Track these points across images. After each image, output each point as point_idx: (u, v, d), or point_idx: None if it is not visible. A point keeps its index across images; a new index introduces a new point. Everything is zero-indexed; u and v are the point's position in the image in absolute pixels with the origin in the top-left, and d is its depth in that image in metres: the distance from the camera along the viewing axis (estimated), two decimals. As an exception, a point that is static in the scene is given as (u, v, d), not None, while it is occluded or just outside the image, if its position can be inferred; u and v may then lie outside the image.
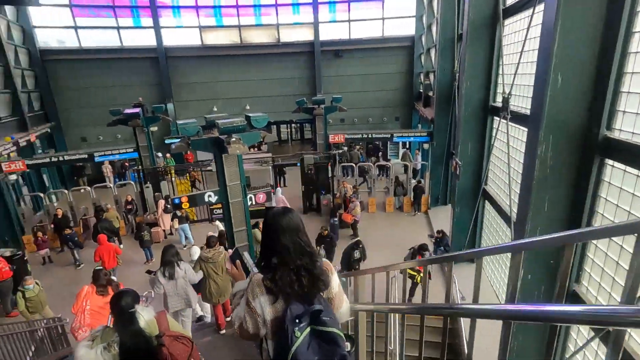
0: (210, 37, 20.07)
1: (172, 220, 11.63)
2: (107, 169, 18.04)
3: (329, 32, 20.33)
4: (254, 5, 19.86)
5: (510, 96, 6.30)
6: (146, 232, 10.48)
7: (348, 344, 1.53)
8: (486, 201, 8.75)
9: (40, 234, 10.95)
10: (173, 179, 13.47)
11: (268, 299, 1.57)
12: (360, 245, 8.73)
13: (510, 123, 6.45)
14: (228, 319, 5.80)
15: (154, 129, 18.36)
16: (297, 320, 1.45)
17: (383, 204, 14.33)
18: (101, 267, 5.98)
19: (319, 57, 20.38)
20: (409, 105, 21.03)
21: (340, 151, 17.39)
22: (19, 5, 14.34)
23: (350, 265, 8.42)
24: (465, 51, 8.16)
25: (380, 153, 19.88)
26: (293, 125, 26.50)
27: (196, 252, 7.45)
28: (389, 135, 13.71)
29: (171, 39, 19.41)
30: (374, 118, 21.63)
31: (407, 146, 19.49)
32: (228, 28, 20.15)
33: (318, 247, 9.25)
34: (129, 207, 12.48)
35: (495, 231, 8.25)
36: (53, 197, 13.79)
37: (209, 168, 13.26)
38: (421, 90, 18.55)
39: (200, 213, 13.81)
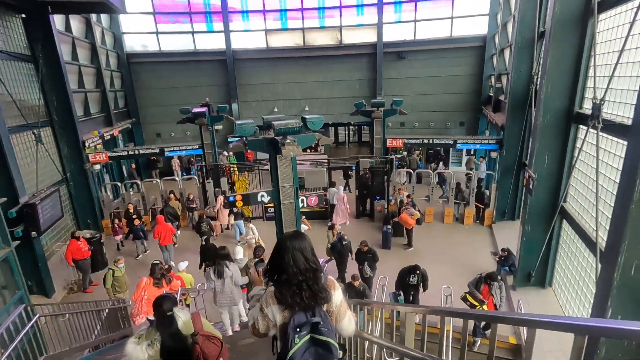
0: (274, 40, 20.68)
1: (229, 215, 12.10)
2: (176, 164, 19.46)
3: (393, 33, 19.75)
4: (319, 8, 20.02)
5: (603, 102, 5.41)
6: (205, 224, 11.02)
7: (340, 352, 1.79)
8: (564, 220, 7.72)
9: (117, 220, 12.12)
10: (231, 175, 14.03)
11: (279, 308, 1.85)
12: (418, 272, 7.75)
13: (601, 133, 5.56)
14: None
15: (218, 127, 19.51)
16: (297, 329, 1.71)
17: (441, 214, 13.50)
18: (157, 262, 6.68)
19: (380, 58, 19.91)
20: (476, 110, 19.63)
21: (399, 156, 16.79)
22: (107, 13, 16.01)
23: (405, 289, 7.79)
24: (548, 51, 7.25)
25: (441, 160, 18.76)
26: (351, 127, 26.28)
27: (239, 251, 7.63)
28: (452, 142, 12.84)
29: (239, 42, 20.36)
30: (436, 123, 20.58)
31: (472, 152, 18.18)
32: (292, 31, 20.58)
33: (361, 266, 8.77)
34: (192, 205, 13.16)
35: (573, 256, 7.22)
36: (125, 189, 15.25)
37: (266, 167, 13.59)
38: (491, 94, 17.15)
39: (256, 210, 14.23)
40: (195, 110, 12.73)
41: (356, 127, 26.10)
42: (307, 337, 1.71)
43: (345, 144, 26.75)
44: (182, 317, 2.58)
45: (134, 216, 11.37)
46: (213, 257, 5.82)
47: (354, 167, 13.66)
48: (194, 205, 13.20)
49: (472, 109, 19.79)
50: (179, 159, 19.92)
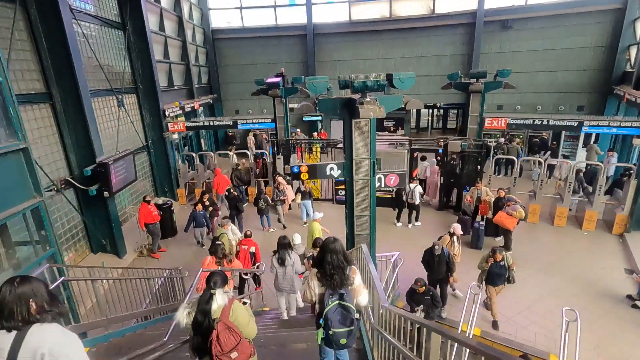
0: (357, 12, 19.15)
1: (295, 194, 11.26)
2: (251, 141, 19.40)
3: (497, -1, 16.73)
4: (410, -28, 17.85)
5: None
6: (263, 201, 10.34)
7: (357, 314, 2.90)
8: None
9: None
10: (302, 153, 13.18)
11: (318, 284, 3.00)
12: (427, 297, 5.96)
13: None
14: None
15: (293, 106, 18.92)
16: (331, 296, 2.86)
17: (549, 215, 10.91)
18: (220, 242, 6.62)
19: (480, 29, 17.09)
20: (602, 91, 15.75)
21: (495, 143, 14.17)
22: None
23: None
24: None
25: (549, 151, 15.45)
26: (436, 110, 23.64)
27: (297, 237, 7.01)
28: (575, 124, 10.03)
29: (320, 15, 19.29)
30: (544, 106, 17.13)
31: (593, 141, 14.64)
32: (378, 1, 18.80)
33: (416, 308, 6.11)
34: (281, 198, 12.26)
35: None
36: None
37: (339, 146, 12.43)
38: (630, 69, 13.39)
39: (325, 191, 13.23)
40: (269, 80, 12.03)
41: (442, 111, 23.39)
42: (337, 302, 2.85)
43: (427, 130, 24.25)
44: (219, 300, 2.69)
45: (207, 202, 10.05)
46: (277, 245, 6.04)
47: (440, 151, 11.70)
48: (283, 198, 11.26)
49: (597, 89, 15.95)
50: (254, 137, 19.88)
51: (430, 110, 23.95)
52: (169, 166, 13.28)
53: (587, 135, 16.17)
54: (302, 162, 13.64)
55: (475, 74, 10.55)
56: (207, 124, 13.78)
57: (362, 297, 3.05)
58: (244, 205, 11.27)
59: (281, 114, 12.81)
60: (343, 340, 2.81)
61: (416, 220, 10.84)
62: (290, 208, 12.54)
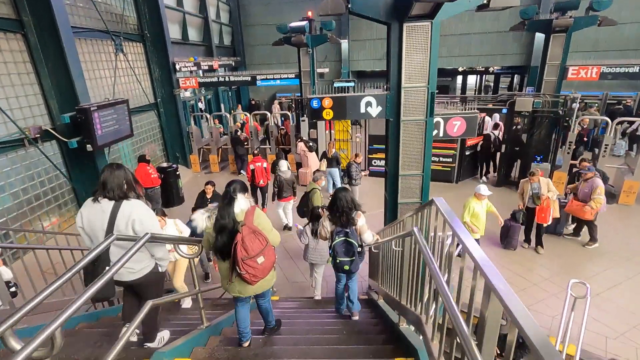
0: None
1: (320, 160, 9.41)
2: (276, 108, 17.64)
3: None
4: None
5: None
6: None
7: (360, 248, 3.50)
8: None
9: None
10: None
11: (329, 223, 3.59)
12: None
13: None
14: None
15: (324, 71, 16.82)
16: (339, 233, 3.48)
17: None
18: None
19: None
20: None
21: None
22: None
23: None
24: None
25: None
26: (486, 77, 20.62)
27: (283, 164, 7.04)
28: None
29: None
30: None
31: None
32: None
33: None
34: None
35: None
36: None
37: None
38: None
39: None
40: (293, 24, 10.02)
41: (493, 77, 20.32)
42: (343, 237, 3.47)
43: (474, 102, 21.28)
44: (241, 204, 2.68)
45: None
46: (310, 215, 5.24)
47: (504, 111, 9.31)
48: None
49: None
50: (279, 105, 18.10)
51: (479, 77, 20.97)
52: (180, 129, 11.83)
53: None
54: (331, 131, 11.69)
55: (562, 5, 7.93)
56: (223, 79, 12.07)
57: (366, 235, 3.59)
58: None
59: (307, 67, 10.84)
60: (346, 267, 3.54)
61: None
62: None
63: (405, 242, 2.56)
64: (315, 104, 4.07)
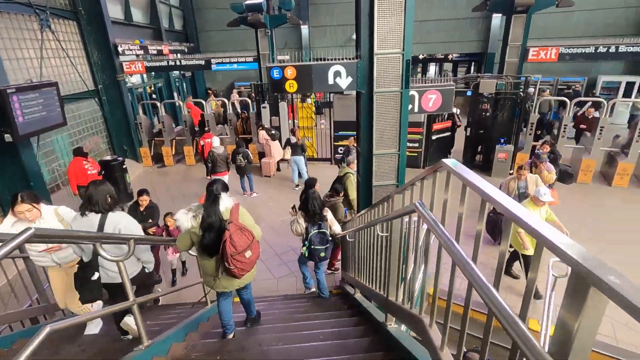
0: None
1: (284, 148, 8.84)
2: (235, 97, 16.71)
3: None
4: None
5: None
6: (242, 157, 7.92)
7: (330, 238, 4.24)
8: None
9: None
10: (295, 100, 10.66)
11: (304, 220, 4.22)
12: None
13: None
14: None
15: (285, 57, 16.09)
16: (313, 226, 4.18)
17: (603, 174, 8.70)
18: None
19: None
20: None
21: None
22: None
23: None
24: None
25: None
26: (445, 65, 20.92)
27: (216, 141, 7.30)
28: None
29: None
30: (608, 25, 13.94)
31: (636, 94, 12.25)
32: None
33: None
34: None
35: None
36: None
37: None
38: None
39: (322, 149, 10.82)
40: (249, 2, 9.26)
41: (452, 64, 20.67)
42: (317, 230, 4.16)
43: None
44: (225, 202, 2.77)
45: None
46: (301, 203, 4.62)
47: (469, 93, 9.25)
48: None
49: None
50: (238, 94, 17.19)
51: (438, 66, 21.27)
52: (127, 119, 10.69)
53: (629, 87, 13.85)
54: (294, 114, 11.11)
55: (522, -16, 7.90)
56: (173, 63, 11.02)
57: (335, 227, 4.34)
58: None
59: (266, 50, 10.14)
60: (322, 254, 4.21)
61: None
62: (279, 169, 10.16)
63: (394, 225, 2.11)
64: (276, 74, 3.50)
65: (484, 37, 16.17)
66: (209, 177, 7.64)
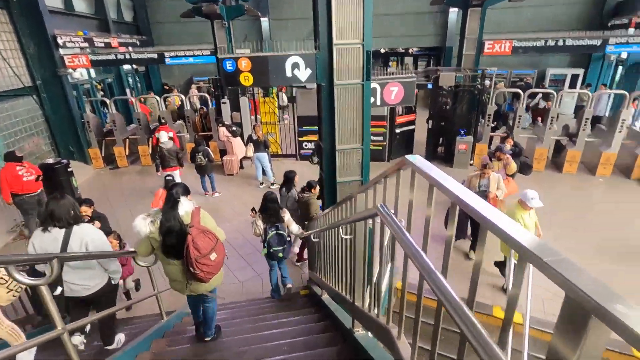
0: None
1: (246, 145, 8.51)
2: (193, 92, 15.97)
3: None
4: None
5: None
6: (202, 155, 7.55)
7: (289, 238, 4.45)
8: None
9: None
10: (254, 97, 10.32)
11: (262, 222, 4.39)
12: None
13: None
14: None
15: (244, 51, 15.57)
16: (270, 229, 4.35)
17: (554, 161, 9.20)
18: (171, 177, 6.24)
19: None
20: (592, 27, 14.08)
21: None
22: None
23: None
24: None
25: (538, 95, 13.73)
26: (406, 58, 21.24)
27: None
28: (597, 42, 8.01)
29: None
30: (554, 21, 14.68)
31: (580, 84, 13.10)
32: None
33: None
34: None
35: None
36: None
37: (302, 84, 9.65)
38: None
39: (286, 144, 10.57)
40: (204, -9, 8.76)
41: (412, 57, 21.02)
42: (275, 232, 4.32)
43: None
44: (185, 206, 2.71)
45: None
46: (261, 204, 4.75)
47: (430, 86, 9.38)
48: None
49: (587, 26, 14.23)
50: (197, 89, 16.45)
51: (399, 60, 21.56)
52: (72, 117, 9.83)
53: (574, 79, 14.78)
54: (257, 115, 10.73)
55: (476, -22, 8.08)
56: (123, 56, 10.23)
57: (292, 227, 4.44)
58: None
59: (224, 43, 9.68)
60: (280, 254, 4.39)
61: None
62: (242, 167, 9.80)
63: (357, 227, 1.97)
64: (229, 66, 3.24)
65: (442, 32, 16.54)
66: (159, 174, 7.44)
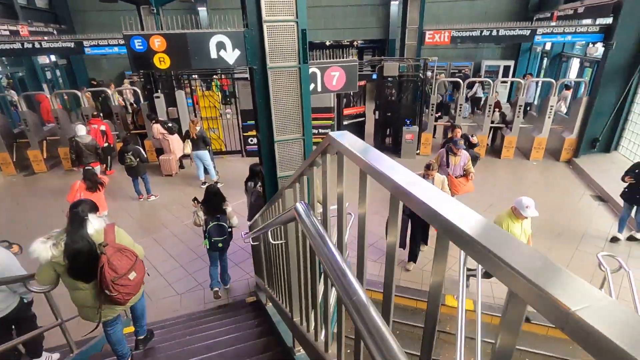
0: None
1: (184, 141, 7.80)
2: (128, 91, 14.53)
3: None
4: None
5: None
6: (132, 155, 6.76)
7: (230, 229, 4.39)
8: None
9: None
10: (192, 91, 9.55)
11: (203, 213, 4.32)
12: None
13: None
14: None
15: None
16: (211, 220, 4.28)
17: (493, 147, 9.65)
18: (90, 167, 5.90)
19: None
20: (519, 20, 15.06)
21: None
22: None
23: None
24: None
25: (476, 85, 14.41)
26: (351, 51, 21.29)
27: (81, 129, 6.73)
28: (526, 33, 8.44)
29: None
30: (486, 13, 15.37)
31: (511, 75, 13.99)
32: None
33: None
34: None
35: None
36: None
37: (244, 75, 9.07)
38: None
39: (231, 141, 9.94)
40: (126, -28, 7.82)
41: (357, 50, 21.13)
42: (216, 222, 4.28)
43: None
44: (95, 224, 2.50)
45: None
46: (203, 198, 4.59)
47: (374, 77, 9.31)
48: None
49: (514, 19, 15.20)
50: (131, 84, 15.01)
51: (345, 50, 21.56)
52: (-29, 117, 8.37)
53: (506, 70, 15.75)
54: (196, 108, 9.96)
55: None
56: (32, 45, 8.86)
57: (233, 219, 4.42)
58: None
59: (153, 31, 8.77)
60: (220, 244, 4.34)
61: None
62: (182, 166, 9.03)
63: (289, 229, 1.64)
64: (138, 44, 2.71)
65: (385, 24, 16.72)
66: (76, 169, 7.21)
